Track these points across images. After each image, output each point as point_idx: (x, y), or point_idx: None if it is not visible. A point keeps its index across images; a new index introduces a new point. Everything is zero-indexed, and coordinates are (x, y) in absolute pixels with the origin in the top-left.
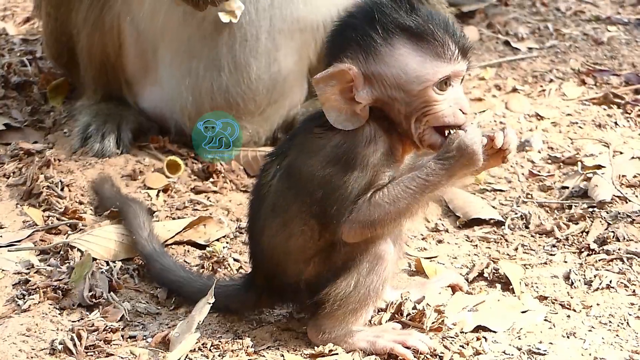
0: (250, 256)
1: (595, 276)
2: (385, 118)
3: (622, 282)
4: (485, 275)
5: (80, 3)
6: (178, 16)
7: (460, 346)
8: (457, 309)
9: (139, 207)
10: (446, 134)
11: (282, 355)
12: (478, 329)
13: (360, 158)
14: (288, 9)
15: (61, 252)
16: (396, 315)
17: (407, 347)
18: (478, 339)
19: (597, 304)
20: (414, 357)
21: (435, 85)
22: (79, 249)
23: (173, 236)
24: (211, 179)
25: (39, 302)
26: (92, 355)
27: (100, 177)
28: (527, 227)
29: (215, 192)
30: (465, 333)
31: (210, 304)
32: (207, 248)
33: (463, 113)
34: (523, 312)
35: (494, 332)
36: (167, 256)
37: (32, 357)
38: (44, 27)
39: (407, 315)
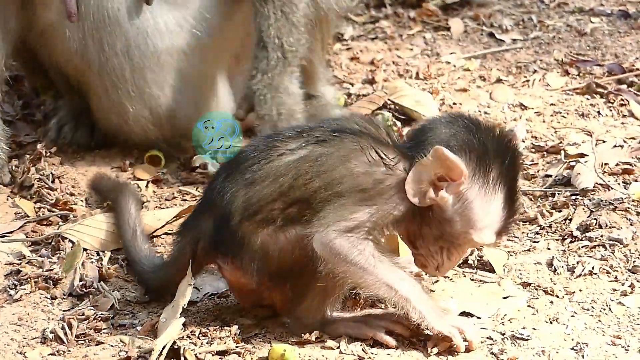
0: (206, 202)
1: (577, 263)
2: (422, 215)
3: (604, 269)
4: (470, 262)
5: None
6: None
7: None
8: (439, 295)
9: (131, 202)
10: None
11: (270, 342)
12: (462, 314)
13: (382, 200)
14: (146, 44)
15: (52, 243)
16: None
17: (391, 333)
18: None
19: (580, 290)
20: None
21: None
22: (70, 240)
23: (163, 226)
24: (199, 170)
25: (31, 292)
26: (82, 343)
27: (96, 175)
28: None
29: (203, 183)
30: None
31: (191, 285)
32: None
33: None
34: (504, 297)
35: (478, 317)
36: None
37: (23, 346)
38: None
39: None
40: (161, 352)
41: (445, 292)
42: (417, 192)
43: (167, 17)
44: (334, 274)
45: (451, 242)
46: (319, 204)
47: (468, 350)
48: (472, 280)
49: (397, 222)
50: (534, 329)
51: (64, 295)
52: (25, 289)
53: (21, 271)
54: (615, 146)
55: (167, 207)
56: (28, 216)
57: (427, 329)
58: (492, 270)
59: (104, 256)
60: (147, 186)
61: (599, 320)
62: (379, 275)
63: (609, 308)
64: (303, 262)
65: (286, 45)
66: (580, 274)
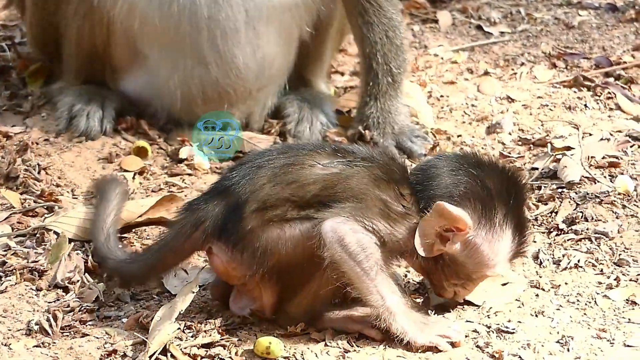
0: (224, 184)
1: (563, 256)
2: (437, 259)
3: (590, 262)
4: None
5: None
6: (161, 14)
7: None
8: None
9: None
10: None
11: (255, 335)
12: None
13: (394, 226)
14: (261, 1)
15: (37, 235)
16: None
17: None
18: (445, 316)
19: (566, 283)
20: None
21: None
22: (54, 232)
23: (146, 211)
24: (185, 162)
25: (16, 283)
26: (67, 335)
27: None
28: None
29: (190, 174)
30: (441, 307)
31: (194, 292)
32: None
33: None
34: (503, 284)
35: (477, 305)
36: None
37: (8, 338)
38: (29, 17)
39: None
40: (152, 354)
41: None
42: (425, 245)
43: None
44: (332, 273)
45: (466, 279)
46: (338, 202)
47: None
48: None
49: (410, 256)
50: (520, 322)
51: (49, 286)
52: (10, 280)
53: (6, 262)
54: (601, 139)
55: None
56: (14, 207)
57: (409, 343)
58: None
59: (90, 247)
60: (133, 177)
61: (585, 314)
62: (376, 282)
63: (595, 301)
64: (303, 261)
65: (394, 70)
66: (566, 267)
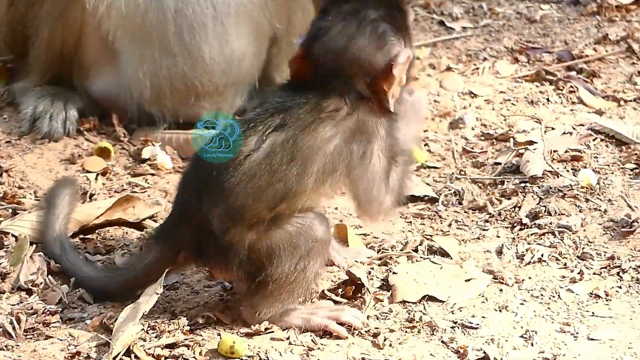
0: (181, 211)
1: (527, 250)
2: None
3: (553, 256)
4: (419, 251)
5: None
6: (129, 5)
7: (393, 321)
8: (403, 278)
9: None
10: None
11: (219, 334)
12: (424, 298)
13: (378, 137)
14: None
15: None
16: (326, 292)
17: (341, 324)
18: (409, 312)
19: (529, 278)
20: (349, 333)
21: None
22: (12, 234)
23: (103, 213)
24: (148, 162)
25: None
26: (31, 338)
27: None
28: (460, 203)
29: (152, 174)
30: (407, 303)
31: (158, 294)
32: (145, 230)
33: None
34: (466, 280)
35: (441, 301)
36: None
37: None
38: (0, 15)
39: (340, 293)
40: (116, 356)
41: (408, 275)
42: (395, 97)
43: None
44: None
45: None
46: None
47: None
48: (433, 262)
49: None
50: (484, 317)
51: (12, 289)
52: None
53: None
54: (564, 133)
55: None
56: None
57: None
58: (448, 256)
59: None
60: (96, 178)
61: (548, 308)
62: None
63: (558, 295)
64: (283, 259)
65: None
66: (530, 262)
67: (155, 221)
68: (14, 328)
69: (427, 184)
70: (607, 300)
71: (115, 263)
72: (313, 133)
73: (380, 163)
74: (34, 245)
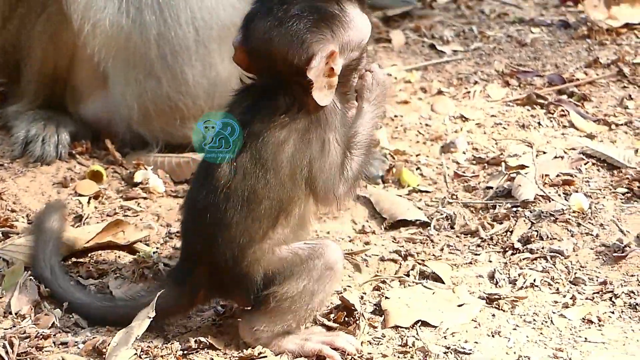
0: (192, 253)
1: (519, 275)
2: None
3: (545, 281)
4: (411, 276)
5: (37, 17)
6: (114, 27)
7: (386, 347)
8: (395, 302)
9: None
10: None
11: (212, 359)
12: (417, 323)
13: (332, 128)
14: (212, 17)
15: None
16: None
17: (335, 349)
18: (402, 337)
19: (522, 303)
20: (342, 358)
21: None
22: (3, 259)
23: (93, 237)
24: (140, 185)
25: None
26: None
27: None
28: (452, 228)
29: (145, 198)
30: (399, 328)
31: (150, 318)
32: (138, 253)
33: None
34: (459, 305)
35: (434, 326)
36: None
37: None
38: None
39: (333, 318)
40: None
41: (400, 300)
42: (326, 94)
43: None
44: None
45: (359, 62)
46: (319, 182)
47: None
48: (426, 287)
49: (341, 116)
50: (476, 342)
51: (5, 313)
52: None
53: None
54: (555, 157)
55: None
56: None
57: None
58: (440, 281)
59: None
60: (88, 202)
61: (541, 333)
62: (368, 140)
63: (551, 320)
64: (294, 281)
65: None
66: (522, 287)
67: (147, 244)
68: (7, 352)
69: (419, 208)
70: (599, 326)
71: (109, 287)
72: (270, 142)
73: (336, 152)
74: (28, 271)
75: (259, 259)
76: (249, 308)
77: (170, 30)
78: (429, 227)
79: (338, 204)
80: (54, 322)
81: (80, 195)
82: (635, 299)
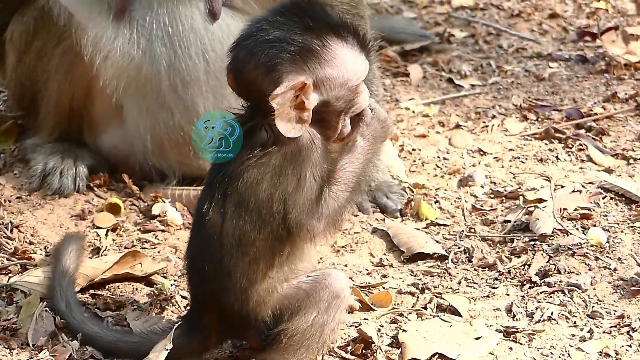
0: (200, 300)
1: (537, 308)
2: (318, 120)
3: (563, 314)
4: (429, 309)
5: (53, 50)
6: (132, 60)
7: None
8: (412, 336)
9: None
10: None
11: None
12: (434, 356)
13: (309, 164)
14: (223, 48)
15: (6, 294)
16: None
17: None
18: None
19: (539, 336)
20: None
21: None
22: (21, 290)
23: (109, 268)
24: (158, 218)
25: None
26: None
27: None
28: (470, 261)
29: (163, 230)
30: None
31: (167, 350)
32: (155, 286)
33: None
34: (476, 338)
35: (452, 359)
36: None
37: None
38: (9, 72)
39: (350, 350)
40: None
41: (418, 333)
42: (295, 125)
43: (237, 26)
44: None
45: (348, 106)
46: (293, 217)
47: None
48: (443, 320)
49: (321, 153)
50: None
51: (22, 345)
52: None
53: None
54: (573, 191)
55: None
56: None
57: None
58: (458, 314)
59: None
60: (106, 234)
61: None
62: (354, 178)
63: (568, 354)
64: (302, 315)
65: None
66: (540, 320)
67: (164, 277)
68: None
69: (437, 241)
70: (617, 359)
71: (127, 319)
72: (248, 182)
73: (312, 188)
74: (44, 302)
75: (264, 299)
76: (264, 347)
77: (180, 61)
78: (446, 260)
79: (313, 240)
80: (70, 354)
81: (98, 227)
82: None
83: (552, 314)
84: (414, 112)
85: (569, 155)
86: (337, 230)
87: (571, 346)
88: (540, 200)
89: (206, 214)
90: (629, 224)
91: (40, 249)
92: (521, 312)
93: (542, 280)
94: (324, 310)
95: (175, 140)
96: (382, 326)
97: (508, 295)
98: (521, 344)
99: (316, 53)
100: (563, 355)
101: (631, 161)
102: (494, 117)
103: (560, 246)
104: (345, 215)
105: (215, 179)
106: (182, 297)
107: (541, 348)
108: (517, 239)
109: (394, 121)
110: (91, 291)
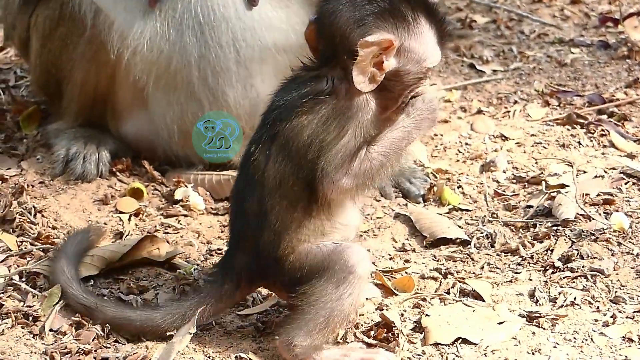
0: (235, 238)
1: (559, 293)
2: (384, 87)
3: (586, 299)
4: (452, 294)
5: (79, 38)
6: (161, 52)
7: None
8: (435, 320)
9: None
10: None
11: None
12: (457, 341)
13: (355, 122)
14: (253, 38)
15: (23, 279)
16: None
17: None
18: (442, 354)
19: (562, 321)
20: None
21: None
22: (44, 275)
23: (127, 252)
24: (181, 203)
25: (12, 326)
26: None
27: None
28: (492, 246)
29: (185, 215)
30: (439, 345)
31: (191, 334)
32: (178, 270)
33: None
34: (499, 323)
35: (474, 344)
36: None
37: None
38: (34, 59)
39: (373, 335)
40: None
41: (440, 317)
42: (368, 80)
43: (272, 14)
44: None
45: (414, 83)
46: (323, 166)
47: None
48: (466, 305)
49: (371, 116)
50: (517, 359)
51: (46, 329)
52: (6, 323)
53: (3, 305)
54: (596, 176)
55: None
56: (10, 250)
57: None
58: (481, 299)
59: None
60: (129, 219)
61: (581, 351)
62: (393, 149)
63: (591, 339)
64: (317, 280)
65: None
66: (562, 305)
67: (187, 261)
68: None
69: (459, 226)
70: None
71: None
72: (294, 127)
73: (350, 145)
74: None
75: (294, 248)
76: (285, 321)
77: (211, 51)
78: (469, 246)
79: (333, 194)
80: (94, 338)
81: (121, 212)
82: None
83: (575, 299)
84: (435, 97)
85: (591, 140)
86: (364, 193)
87: (594, 331)
88: (563, 186)
89: (253, 154)
90: None
91: (63, 234)
92: (544, 297)
93: (565, 266)
94: (339, 281)
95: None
96: (405, 311)
97: (531, 280)
98: (544, 328)
99: (407, 23)
100: (586, 340)
101: None
102: (515, 102)
103: (583, 231)
104: (377, 180)
105: (267, 121)
106: (205, 281)
107: (564, 333)
108: (540, 224)
109: None
110: (114, 276)
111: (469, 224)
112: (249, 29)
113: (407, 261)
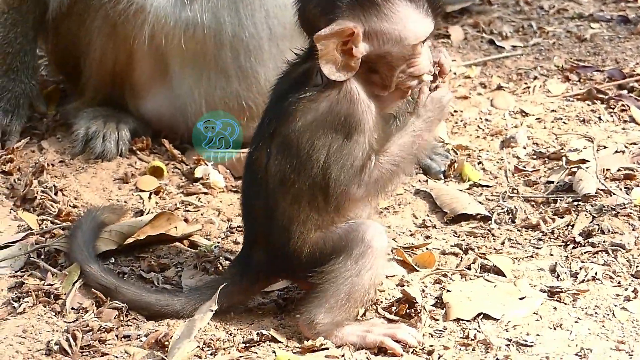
0: (250, 236)
1: (581, 268)
2: (367, 70)
3: (607, 274)
4: (473, 269)
5: (95, 13)
6: (187, 35)
7: (447, 339)
8: (456, 296)
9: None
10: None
11: (274, 351)
12: (478, 316)
13: (358, 126)
14: (285, 16)
15: (43, 257)
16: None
17: (397, 341)
18: (463, 330)
19: (583, 296)
20: (404, 350)
21: (423, 40)
22: (65, 253)
23: (142, 228)
24: (201, 181)
25: (34, 304)
26: (87, 355)
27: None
28: (513, 222)
29: (205, 193)
30: (461, 321)
31: (212, 311)
32: (199, 248)
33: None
34: (520, 298)
35: (496, 319)
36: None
37: (28, 358)
38: (51, 36)
39: (394, 311)
40: None
41: (462, 293)
42: (341, 69)
43: None
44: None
45: (404, 64)
46: (334, 174)
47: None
48: (487, 280)
49: (370, 114)
50: (538, 335)
51: (68, 307)
52: (28, 301)
53: (24, 283)
54: (616, 152)
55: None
56: (31, 229)
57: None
58: (502, 274)
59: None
60: (149, 197)
61: (603, 326)
62: (404, 155)
63: (613, 313)
64: (336, 259)
65: None
66: (584, 280)
67: (208, 239)
68: (70, 345)
69: (480, 202)
70: None
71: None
72: (292, 125)
73: (357, 153)
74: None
75: (305, 239)
76: (306, 299)
77: (244, 29)
78: (489, 221)
79: (347, 202)
80: (116, 316)
81: (141, 190)
82: None
83: (596, 274)
84: (455, 73)
85: (612, 115)
86: (379, 198)
87: (615, 306)
88: (583, 161)
89: (254, 152)
90: None
91: (84, 212)
92: (565, 272)
93: (586, 241)
94: (357, 256)
95: (231, 106)
96: (426, 287)
97: (552, 255)
98: (565, 303)
99: (376, 5)
100: (607, 314)
101: None
102: (535, 78)
103: (604, 206)
104: (390, 187)
105: (266, 119)
106: (226, 259)
107: (585, 308)
108: (560, 200)
109: None
110: (135, 254)
111: (489, 199)
112: (280, 6)
113: (427, 237)
